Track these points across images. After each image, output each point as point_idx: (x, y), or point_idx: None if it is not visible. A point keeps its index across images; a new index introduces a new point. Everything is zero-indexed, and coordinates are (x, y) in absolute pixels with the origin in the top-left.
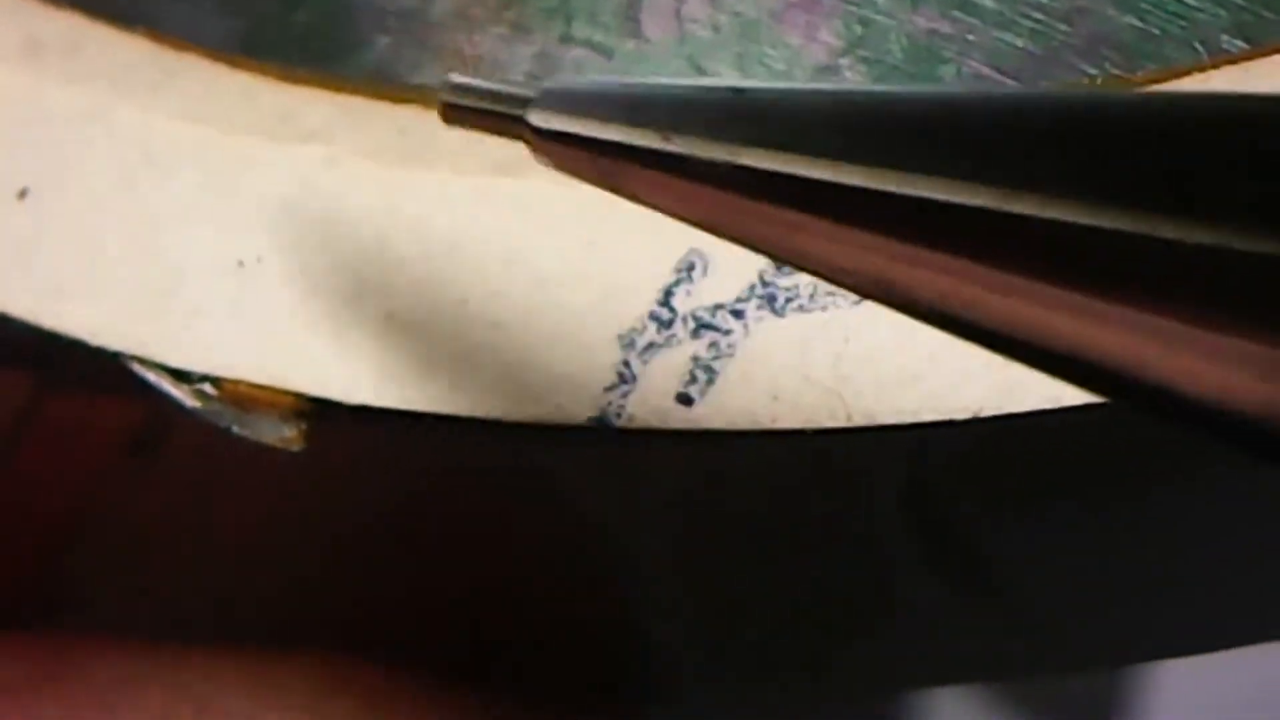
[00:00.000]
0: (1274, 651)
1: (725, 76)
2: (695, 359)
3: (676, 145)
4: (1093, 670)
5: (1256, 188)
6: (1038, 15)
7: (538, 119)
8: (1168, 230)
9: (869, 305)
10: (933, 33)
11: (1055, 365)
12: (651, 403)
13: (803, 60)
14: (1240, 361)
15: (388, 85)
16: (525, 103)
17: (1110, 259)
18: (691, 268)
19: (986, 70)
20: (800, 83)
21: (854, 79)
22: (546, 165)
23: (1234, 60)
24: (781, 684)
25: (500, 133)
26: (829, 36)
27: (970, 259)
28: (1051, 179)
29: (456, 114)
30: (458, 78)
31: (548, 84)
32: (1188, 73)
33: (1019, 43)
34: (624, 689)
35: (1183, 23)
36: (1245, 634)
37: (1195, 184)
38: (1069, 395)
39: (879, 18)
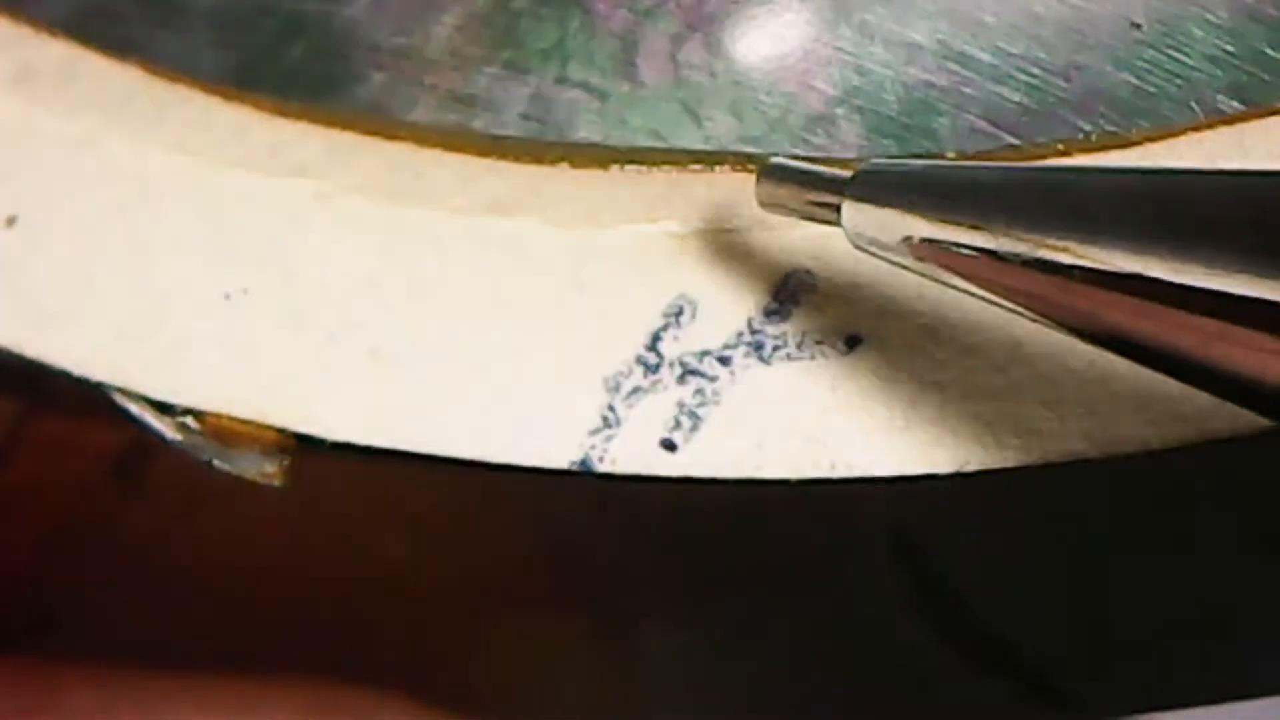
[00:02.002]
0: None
1: (719, 122)
2: (680, 405)
3: (985, 236)
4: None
5: None
6: (1034, 70)
7: (850, 208)
8: None
9: (855, 356)
10: (928, 85)
11: None
12: (635, 447)
13: (797, 108)
14: None
15: (380, 122)
16: (839, 189)
17: None
18: (680, 313)
19: (981, 124)
20: (1109, 166)
21: (848, 128)
22: (860, 249)
23: (1229, 121)
24: None
25: (813, 218)
26: (824, 85)
27: None
28: None
29: (771, 197)
30: (779, 159)
31: (861, 169)
32: (1183, 132)
33: (1015, 97)
34: None
35: (1179, 82)
36: (1242, 689)
37: None
38: (1053, 452)
39: (875, 68)
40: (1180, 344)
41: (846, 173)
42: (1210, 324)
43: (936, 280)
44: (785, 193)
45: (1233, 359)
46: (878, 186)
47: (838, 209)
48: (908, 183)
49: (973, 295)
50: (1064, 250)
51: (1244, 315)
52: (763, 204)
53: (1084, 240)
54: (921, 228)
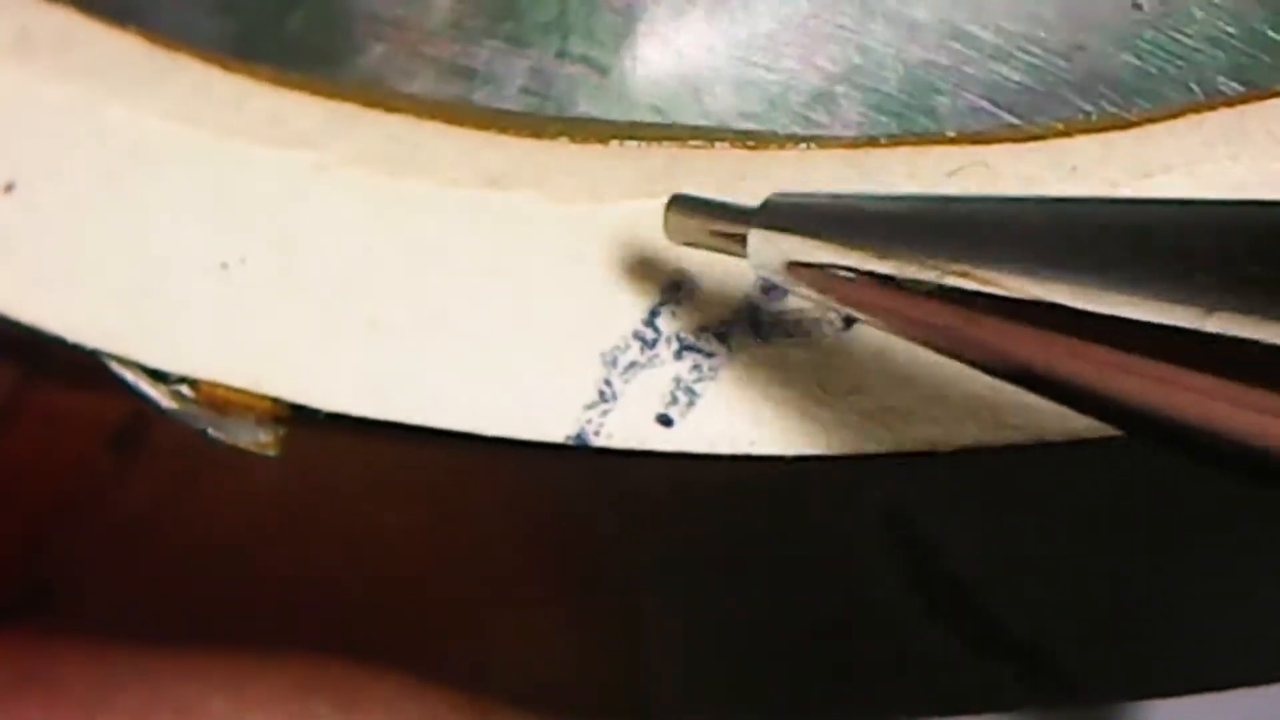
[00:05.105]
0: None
1: (720, 98)
2: (677, 380)
3: (891, 264)
4: (1085, 706)
5: None
6: (1035, 50)
7: (756, 238)
8: None
9: (852, 334)
10: (929, 63)
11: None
12: (631, 422)
13: (798, 85)
14: None
15: (380, 93)
16: (746, 220)
17: None
18: (678, 288)
19: (982, 103)
20: (999, 194)
21: (848, 106)
22: (767, 278)
23: (1230, 103)
24: (767, 710)
25: (721, 250)
26: (825, 62)
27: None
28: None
29: (680, 229)
30: (684, 193)
31: (768, 199)
32: (1183, 113)
33: (1015, 76)
34: (613, 704)
35: (1180, 63)
36: (1239, 675)
37: None
38: (1052, 431)
39: (876, 46)
40: (1080, 375)
41: (754, 205)
42: (1111, 354)
43: (842, 311)
44: (693, 224)
45: (1133, 390)
46: (784, 216)
47: (744, 240)
48: (814, 212)
49: (875, 326)
50: (965, 275)
51: (1139, 343)
52: (671, 236)
53: (985, 266)
54: (827, 257)
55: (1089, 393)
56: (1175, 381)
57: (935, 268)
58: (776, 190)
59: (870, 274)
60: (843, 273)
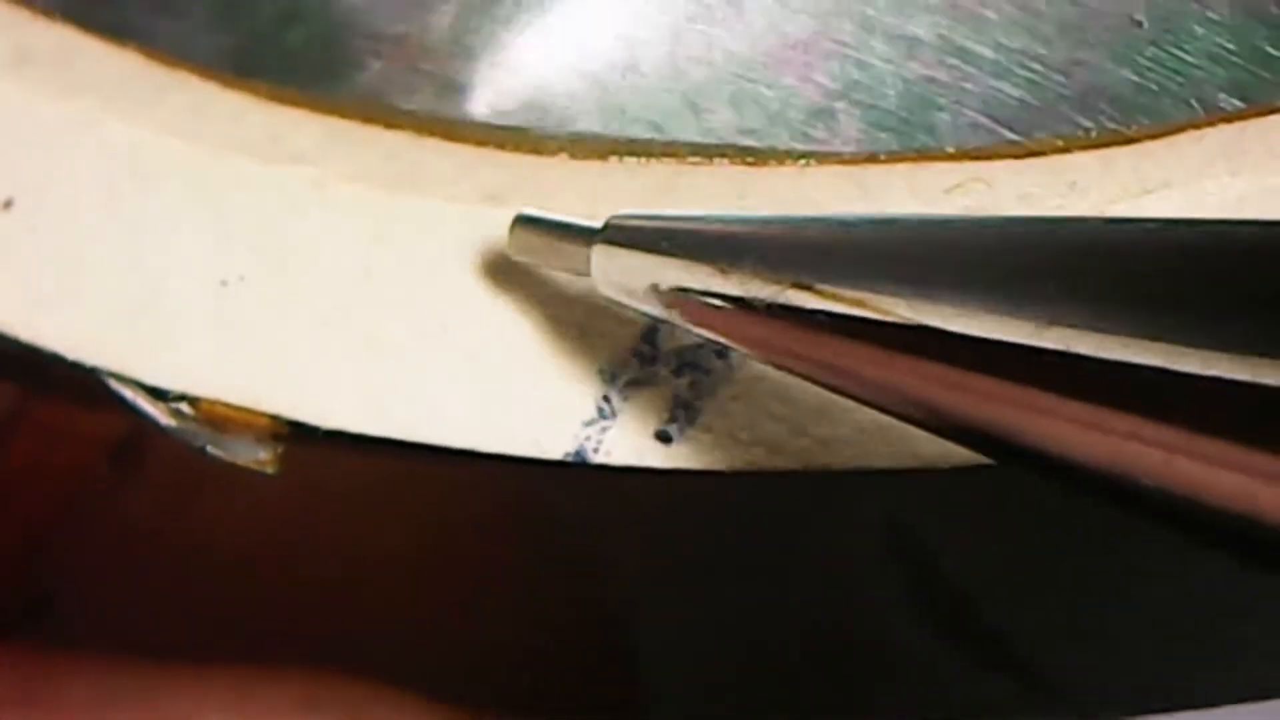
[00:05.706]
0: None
1: (719, 114)
2: (676, 397)
3: (733, 280)
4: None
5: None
6: (1035, 66)
7: (599, 255)
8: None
9: None
10: (929, 80)
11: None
12: (630, 439)
13: (797, 101)
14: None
15: (379, 110)
16: (589, 238)
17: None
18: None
19: (982, 119)
20: (841, 215)
21: (848, 122)
22: (612, 297)
23: (1229, 119)
24: (766, 718)
25: (565, 268)
26: (824, 79)
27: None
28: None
29: (524, 248)
30: (529, 211)
31: (612, 218)
32: (1183, 129)
33: (1015, 93)
34: (614, 709)
35: (1180, 79)
36: (1237, 690)
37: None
38: None
39: (875, 62)
40: (916, 390)
41: (597, 224)
42: (947, 371)
43: (684, 329)
44: (538, 243)
45: (959, 404)
46: (628, 235)
47: (589, 259)
48: (659, 231)
49: (718, 344)
50: (805, 290)
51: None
52: (515, 254)
53: (825, 281)
54: (670, 274)
55: (930, 411)
56: (1013, 399)
57: (775, 283)
58: (776, 205)
59: (712, 293)
60: (688, 292)
